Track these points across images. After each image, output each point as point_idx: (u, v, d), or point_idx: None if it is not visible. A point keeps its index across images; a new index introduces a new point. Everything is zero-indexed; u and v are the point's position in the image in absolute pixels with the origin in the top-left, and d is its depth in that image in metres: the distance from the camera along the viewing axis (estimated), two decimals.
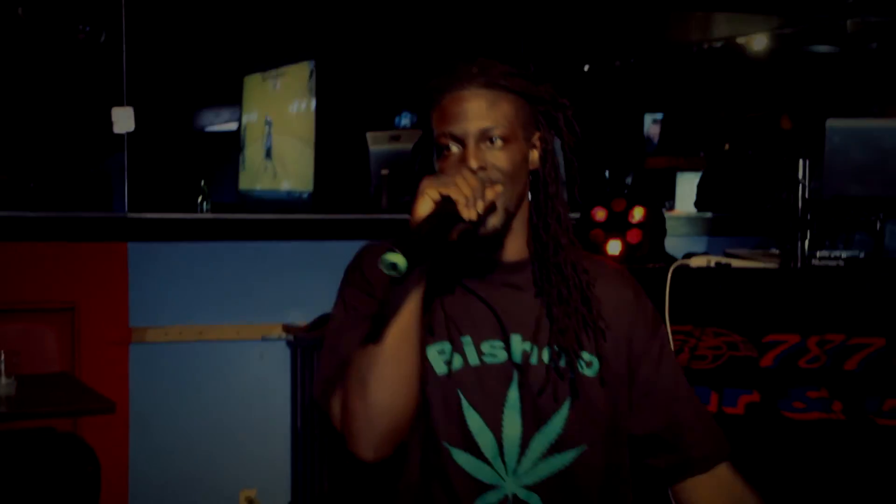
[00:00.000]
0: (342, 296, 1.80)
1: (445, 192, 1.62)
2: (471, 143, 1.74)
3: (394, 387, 1.62)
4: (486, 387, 1.75)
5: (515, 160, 1.76)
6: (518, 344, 1.77)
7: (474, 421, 1.74)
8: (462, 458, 1.75)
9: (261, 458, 4.37)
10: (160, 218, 4.38)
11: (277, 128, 6.39)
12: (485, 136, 1.75)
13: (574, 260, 1.79)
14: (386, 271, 1.51)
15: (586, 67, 6.07)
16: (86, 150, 5.32)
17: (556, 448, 1.76)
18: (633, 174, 3.80)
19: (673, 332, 3.46)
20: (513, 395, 1.76)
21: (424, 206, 1.62)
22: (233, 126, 7.01)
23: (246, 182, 6.68)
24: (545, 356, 1.76)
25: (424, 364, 1.71)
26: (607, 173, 3.89)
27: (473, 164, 1.72)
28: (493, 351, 1.77)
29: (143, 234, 4.28)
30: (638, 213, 3.61)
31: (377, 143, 5.03)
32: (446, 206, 1.62)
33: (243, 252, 4.46)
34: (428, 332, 1.73)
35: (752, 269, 3.41)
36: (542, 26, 5.09)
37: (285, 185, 6.14)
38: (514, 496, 1.75)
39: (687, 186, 5.79)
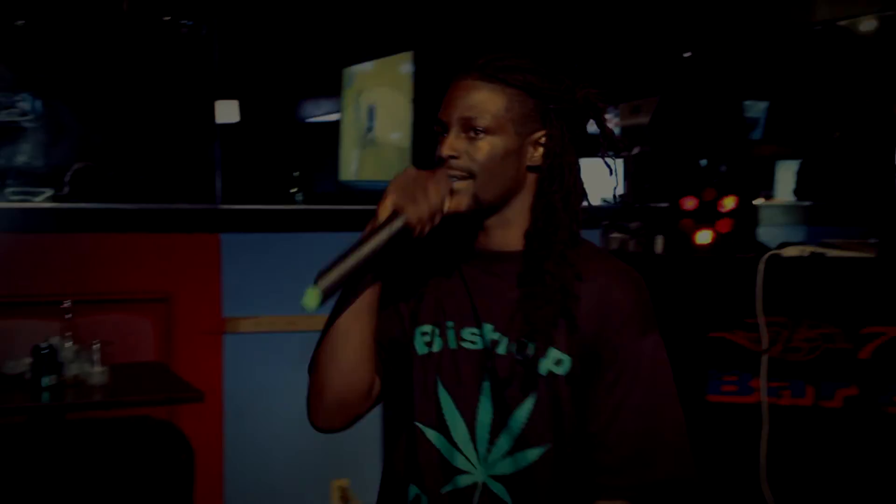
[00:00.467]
0: None
1: (401, 207, 1.68)
2: (451, 131, 1.78)
3: (340, 364, 1.76)
4: (461, 372, 1.78)
5: (495, 153, 1.76)
6: (489, 333, 1.77)
7: (447, 404, 1.79)
8: (435, 438, 1.80)
9: (353, 447, 4.38)
10: (252, 209, 4.43)
11: (377, 118, 6.41)
12: (467, 126, 1.76)
13: (567, 256, 1.77)
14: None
15: (686, 54, 5.98)
16: (186, 142, 5.40)
17: (521, 443, 1.75)
18: (729, 163, 3.70)
19: (767, 324, 3.37)
20: (486, 384, 1.77)
21: (385, 210, 1.70)
22: (334, 117, 7.06)
23: (346, 173, 6.72)
24: (513, 348, 1.75)
25: (409, 346, 1.81)
26: (703, 162, 3.80)
27: (444, 150, 1.76)
28: (472, 338, 1.79)
29: (235, 225, 4.33)
30: (729, 203, 3.52)
31: None
32: (398, 220, 1.68)
33: (337, 242, 4.45)
34: (412, 318, 1.82)
35: (848, 259, 3.30)
36: (642, 15, 5.01)
37: (384, 176, 6.15)
38: (484, 485, 1.78)
39: (787, 175, 5.64)
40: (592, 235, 4.20)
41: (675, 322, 3.65)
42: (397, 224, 1.69)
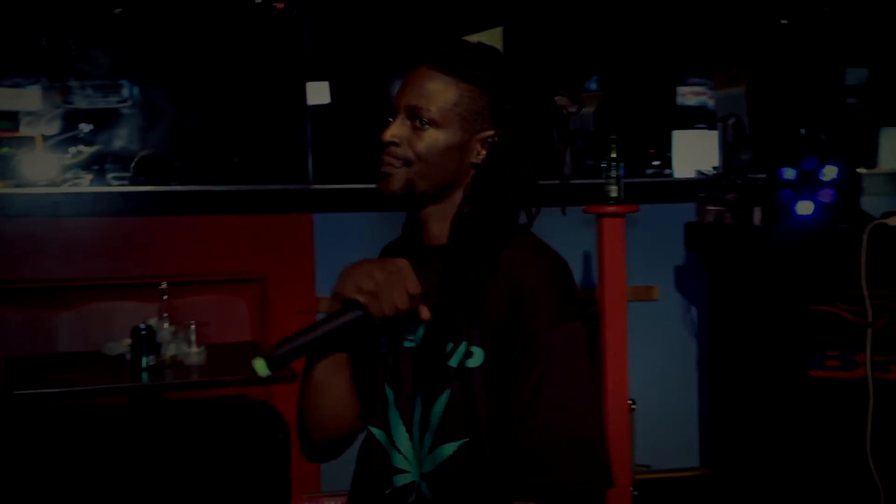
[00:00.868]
0: None
1: (363, 301, 1.64)
2: (398, 117, 1.78)
3: (322, 413, 1.78)
4: (401, 370, 1.78)
5: (436, 147, 1.75)
6: (421, 330, 1.77)
7: (391, 404, 1.79)
8: (382, 438, 1.79)
9: None
10: (343, 188, 4.44)
11: None
12: (413, 114, 1.76)
13: (486, 250, 1.72)
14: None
15: (783, 21, 5.83)
16: (278, 124, 5.44)
17: (439, 439, 1.72)
18: (830, 131, 3.59)
19: (871, 297, 3.27)
20: (412, 381, 1.78)
21: (347, 295, 1.66)
22: None
23: None
24: (425, 342, 1.75)
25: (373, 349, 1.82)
26: (803, 131, 3.69)
27: (386, 135, 1.76)
28: (410, 336, 1.79)
29: (327, 204, 4.34)
30: (830, 172, 3.41)
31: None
32: (362, 316, 1.66)
33: None
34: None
35: None
36: None
37: None
38: (417, 484, 1.76)
39: (891, 142, 5.46)
40: (688, 209, 4.14)
41: (775, 296, 3.58)
42: (354, 315, 1.66)
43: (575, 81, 6.45)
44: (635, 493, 3.79)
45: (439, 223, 1.80)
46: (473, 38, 5.68)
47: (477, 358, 1.70)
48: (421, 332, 1.77)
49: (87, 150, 5.37)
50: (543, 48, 6.29)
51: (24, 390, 3.18)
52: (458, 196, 1.79)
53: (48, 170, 4.69)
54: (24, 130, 4.86)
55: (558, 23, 6.34)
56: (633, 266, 3.82)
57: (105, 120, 5.60)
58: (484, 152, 1.77)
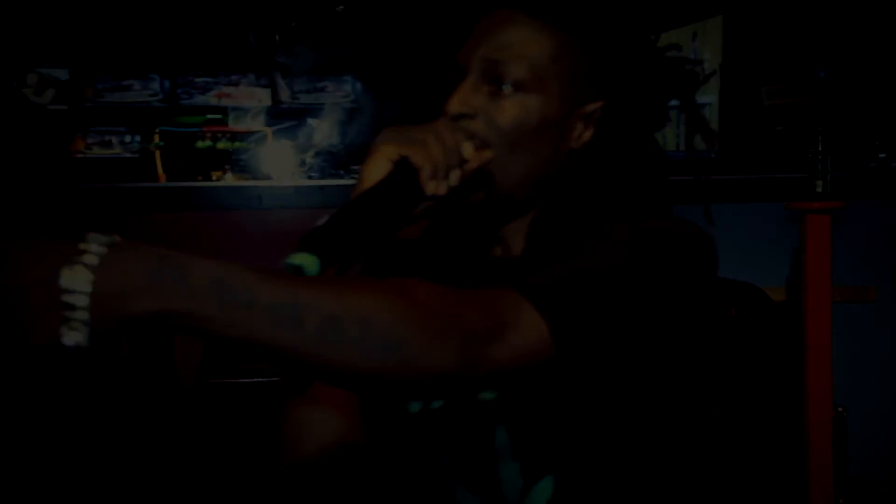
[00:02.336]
0: None
1: (407, 151, 1.15)
2: (468, 78, 1.24)
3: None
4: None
5: (528, 120, 1.23)
6: None
7: None
8: None
9: None
10: None
11: None
12: (491, 73, 1.23)
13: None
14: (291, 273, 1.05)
15: None
16: None
17: None
18: None
19: None
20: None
21: (376, 169, 1.15)
22: None
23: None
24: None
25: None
26: None
27: (453, 105, 1.23)
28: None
29: None
30: None
31: (773, 98, 4.77)
32: (406, 172, 1.15)
33: None
34: None
35: None
36: None
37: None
38: None
39: None
40: None
41: None
42: (402, 170, 1.15)
43: (800, 70, 6.18)
44: (841, 502, 3.61)
45: (522, 236, 1.31)
46: (689, 28, 5.51)
47: None
48: None
49: (318, 144, 5.53)
50: (765, 37, 6.07)
51: (219, 379, 3.30)
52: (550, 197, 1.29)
53: (284, 163, 4.86)
54: (233, 124, 5.05)
55: (782, 10, 6.11)
56: (849, 264, 3.64)
57: (333, 116, 5.77)
58: (588, 133, 1.28)
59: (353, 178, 4.80)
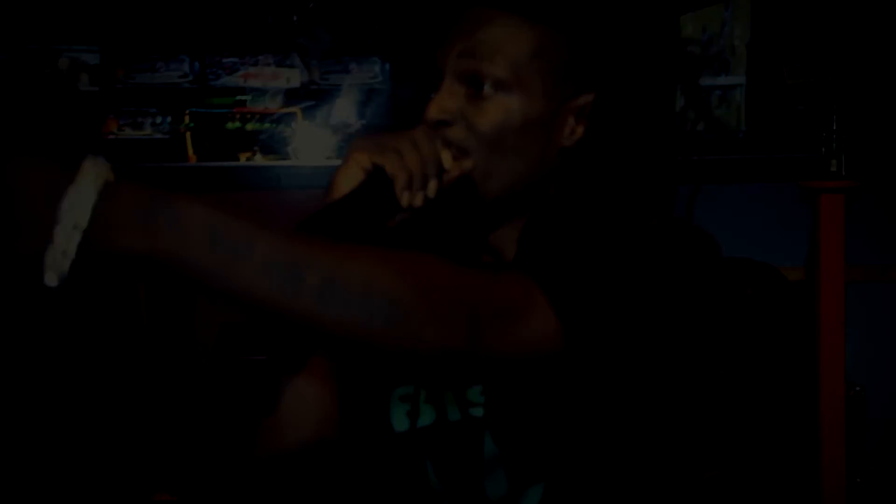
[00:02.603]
0: None
1: (380, 160, 1.11)
2: (445, 82, 1.19)
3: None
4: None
5: (511, 121, 1.17)
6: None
7: None
8: None
9: None
10: None
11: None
12: (468, 74, 1.18)
13: None
14: None
15: None
16: None
17: None
18: None
19: None
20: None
21: (348, 178, 1.11)
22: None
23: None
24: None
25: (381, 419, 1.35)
26: None
27: (432, 112, 1.17)
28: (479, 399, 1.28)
29: None
30: None
31: (795, 77, 4.75)
32: (379, 181, 1.10)
33: None
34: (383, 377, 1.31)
35: None
36: None
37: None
38: None
39: None
40: None
41: None
42: (375, 180, 1.10)
43: (828, 50, 6.14)
44: (858, 480, 3.63)
45: (513, 242, 1.24)
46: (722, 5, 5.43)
47: None
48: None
49: (354, 125, 5.57)
50: (795, 15, 6.02)
51: (230, 359, 3.34)
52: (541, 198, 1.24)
53: (314, 144, 4.91)
54: (251, 105, 5.08)
55: None
56: (870, 244, 3.65)
57: (360, 95, 5.81)
58: (580, 129, 1.21)
59: None
